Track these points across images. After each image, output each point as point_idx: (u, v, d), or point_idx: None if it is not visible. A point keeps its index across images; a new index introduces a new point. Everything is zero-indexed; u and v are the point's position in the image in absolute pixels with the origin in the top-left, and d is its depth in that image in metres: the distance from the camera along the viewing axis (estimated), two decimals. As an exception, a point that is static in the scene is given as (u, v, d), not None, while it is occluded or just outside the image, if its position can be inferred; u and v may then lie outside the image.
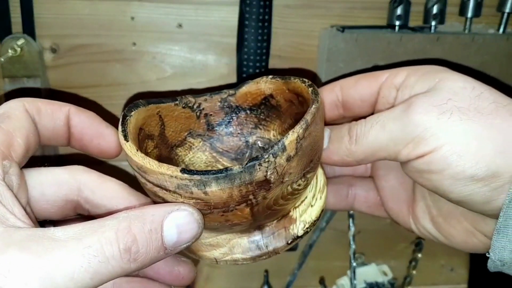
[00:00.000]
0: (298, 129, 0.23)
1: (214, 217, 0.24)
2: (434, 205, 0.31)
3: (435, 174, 0.25)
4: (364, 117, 0.29)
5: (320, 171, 0.32)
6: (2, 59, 0.43)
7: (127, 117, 0.26)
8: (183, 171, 0.22)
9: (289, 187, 0.25)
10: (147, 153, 0.28)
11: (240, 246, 0.28)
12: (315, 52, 0.48)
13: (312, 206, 0.29)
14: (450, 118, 0.25)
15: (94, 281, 0.19)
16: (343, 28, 0.45)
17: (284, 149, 0.23)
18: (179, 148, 0.32)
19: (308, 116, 0.24)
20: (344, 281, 0.58)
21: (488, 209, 0.25)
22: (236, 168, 0.22)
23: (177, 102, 0.30)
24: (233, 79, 0.48)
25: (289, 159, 0.23)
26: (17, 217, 0.20)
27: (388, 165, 0.34)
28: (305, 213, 0.29)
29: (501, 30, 0.47)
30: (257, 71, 0.46)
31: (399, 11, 0.45)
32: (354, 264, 0.55)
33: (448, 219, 0.30)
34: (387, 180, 0.34)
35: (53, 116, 0.26)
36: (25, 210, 0.21)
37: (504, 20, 0.47)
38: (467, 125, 0.24)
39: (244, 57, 0.45)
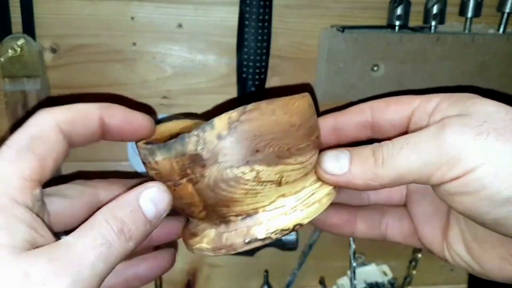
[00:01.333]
0: (233, 111, 0.25)
1: (172, 194, 0.27)
2: (469, 230, 0.30)
3: (469, 196, 0.24)
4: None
5: (322, 189, 0.30)
6: (2, 59, 0.43)
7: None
8: (145, 143, 0.26)
9: (228, 171, 0.25)
10: None
11: (208, 236, 0.29)
12: (315, 52, 0.48)
13: (286, 215, 0.28)
14: (487, 139, 0.24)
15: (107, 264, 0.22)
16: (343, 28, 0.45)
17: (212, 126, 0.25)
18: None
19: (250, 105, 0.25)
20: (344, 281, 0.58)
21: None
22: (180, 138, 0.25)
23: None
24: (233, 79, 0.48)
25: (220, 137, 0.25)
26: (43, 236, 0.23)
27: (421, 191, 0.33)
28: (275, 219, 0.28)
29: (501, 30, 0.47)
30: (257, 71, 0.46)
31: (399, 11, 0.45)
32: (354, 264, 0.55)
33: (483, 244, 0.29)
34: (421, 206, 0.33)
35: (87, 123, 0.26)
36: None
37: (504, 20, 0.47)
38: (504, 146, 0.24)
39: (244, 57, 0.45)
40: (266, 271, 0.56)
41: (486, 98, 0.27)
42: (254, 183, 0.26)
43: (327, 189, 0.30)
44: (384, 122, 0.31)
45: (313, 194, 0.29)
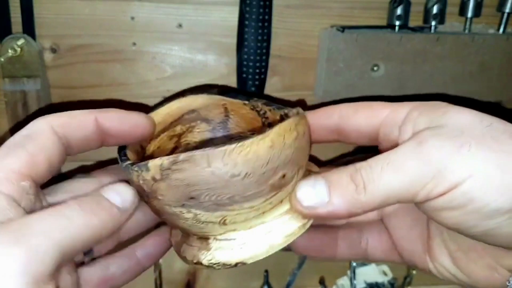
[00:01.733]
0: (166, 158, 0.24)
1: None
2: (452, 240, 0.29)
3: (456, 211, 0.23)
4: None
5: (289, 224, 0.27)
6: (2, 59, 0.43)
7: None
8: (120, 155, 0.28)
9: (168, 208, 0.26)
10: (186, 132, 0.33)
11: (181, 244, 0.31)
12: (315, 52, 0.48)
13: (232, 250, 0.27)
14: (470, 151, 0.23)
15: (64, 234, 0.22)
16: (343, 28, 0.45)
17: (147, 168, 0.24)
18: None
19: (183, 154, 0.23)
20: (344, 281, 0.58)
21: None
22: (126, 163, 0.26)
23: (246, 102, 0.31)
24: (233, 79, 0.48)
25: (155, 180, 0.25)
26: None
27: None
28: (221, 250, 0.27)
29: (501, 30, 0.47)
30: (257, 71, 0.46)
31: (399, 11, 0.45)
32: (354, 264, 0.55)
33: (468, 254, 0.28)
34: (398, 218, 0.32)
35: (82, 126, 0.27)
36: None
37: (504, 20, 0.47)
38: (487, 156, 0.23)
39: (244, 57, 0.45)
40: (266, 271, 0.56)
41: (456, 106, 0.26)
42: (194, 221, 0.26)
43: (296, 225, 0.27)
44: (351, 129, 0.29)
45: (271, 231, 0.27)
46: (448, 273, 0.30)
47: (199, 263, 0.28)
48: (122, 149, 0.29)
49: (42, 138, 0.25)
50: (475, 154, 0.23)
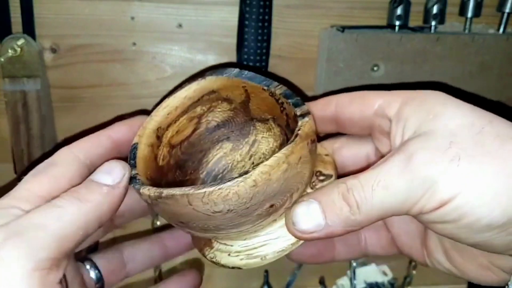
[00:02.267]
0: (152, 191, 0.25)
1: None
2: (447, 240, 0.29)
3: (449, 224, 0.24)
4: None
5: (280, 241, 0.28)
6: (2, 59, 0.43)
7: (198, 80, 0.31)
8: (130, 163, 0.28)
9: (167, 220, 0.27)
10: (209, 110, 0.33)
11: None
12: (315, 52, 0.48)
13: (229, 255, 0.28)
14: (460, 165, 0.23)
15: (61, 222, 0.23)
16: (343, 28, 0.45)
17: (141, 193, 0.26)
18: (259, 123, 0.33)
19: (166, 191, 0.24)
20: (344, 281, 0.58)
21: (508, 252, 0.24)
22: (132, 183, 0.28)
23: (265, 88, 0.30)
24: (233, 79, 0.48)
25: (147, 202, 0.26)
26: None
27: None
28: (220, 252, 0.29)
29: (501, 30, 0.47)
30: (257, 71, 0.46)
31: (399, 11, 0.45)
32: (354, 264, 0.55)
33: (462, 253, 0.29)
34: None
35: (99, 145, 0.29)
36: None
37: (504, 20, 0.47)
38: (477, 170, 0.23)
39: (244, 57, 0.45)
40: (266, 271, 0.56)
41: (451, 102, 0.25)
42: (189, 235, 0.28)
43: (289, 241, 0.28)
44: (346, 118, 0.30)
45: (264, 245, 0.28)
46: (443, 268, 0.30)
47: (204, 255, 0.30)
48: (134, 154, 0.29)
49: (64, 163, 0.27)
50: (464, 169, 0.23)
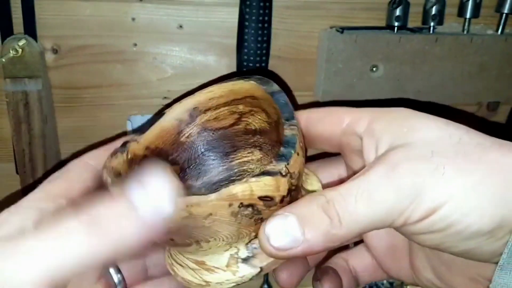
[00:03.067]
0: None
1: None
2: (434, 255, 0.29)
3: (436, 234, 0.23)
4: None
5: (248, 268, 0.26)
6: (4, 60, 0.44)
7: None
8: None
9: None
10: None
11: None
12: (315, 53, 0.48)
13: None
14: (445, 174, 0.22)
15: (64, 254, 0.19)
16: (342, 29, 0.45)
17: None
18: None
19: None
20: (344, 280, 0.58)
21: (496, 259, 0.23)
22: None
23: (283, 121, 0.28)
24: (233, 79, 0.48)
25: None
26: None
27: None
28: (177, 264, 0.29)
29: (499, 30, 0.47)
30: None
31: (398, 12, 0.45)
32: (354, 263, 0.55)
33: (451, 268, 0.28)
34: (379, 238, 0.31)
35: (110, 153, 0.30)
36: None
37: (502, 21, 0.47)
38: (463, 178, 0.22)
39: (244, 57, 0.46)
40: (266, 271, 0.56)
41: (420, 117, 0.25)
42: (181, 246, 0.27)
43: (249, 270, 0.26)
44: (316, 136, 0.29)
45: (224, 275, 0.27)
46: (434, 286, 0.29)
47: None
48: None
49: (77, 170, 0.28)
50: (450, 178, 0.22)
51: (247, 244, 0.26)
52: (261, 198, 0.23)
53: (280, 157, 0.24)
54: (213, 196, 0.22)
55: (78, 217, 0.19)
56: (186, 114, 0.31)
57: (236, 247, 0.26)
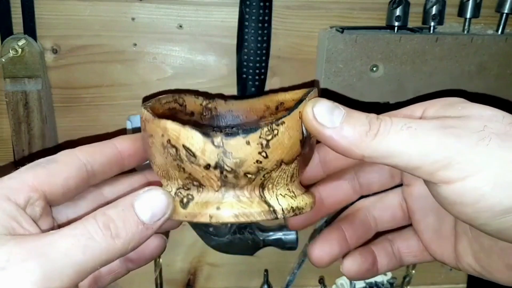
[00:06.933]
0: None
1: None
2: (476, 240, 0.29)
3: (468, 207, 0.23)
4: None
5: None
6: (3, 60, 0.44)
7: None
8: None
9: None
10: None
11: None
12: (315, 53, 0.48)
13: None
14: (489, 145, 0.23)
15: (86, 256, 0.22)
16: (342, 29, 0.45)
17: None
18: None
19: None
20: (344, 280, 0.58)
21: None
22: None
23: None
24: (233, 79, 0.48)
25: None
26: (27, 230, 0.24)
27: (425, 206, 0.32)
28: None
29: (499, 30, 0.47)
30: (257, 71, 0.46)
31: (398, 12, 0.45)
32: (354, 263, 0.55)
33: (489, 254, 0.29)
34: (427, 222, 0.32)
35: (103, 151, 0.30)
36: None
37: (502, 21, 0.47)
38: (505, 153, 0.22)
39: (244, 57, 0.46)
40: (266, 271, 0.56)
41: (472, 102, 0.26)
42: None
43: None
44: (334, 168, 0.32)
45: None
46: (474, 271, 0.30)
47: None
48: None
49: (64, 162, 0.27)
50: (492, 150, 0.23)
51: (176, 190, 0.27)
52: (184, 146, 0.25)
53: (246, 131, 0.25)
54: (153, 118, 0.26)
55: (97, 221, 0.23)
56: (274, 106, 0.33)
57: (170, 186, 0.28)
